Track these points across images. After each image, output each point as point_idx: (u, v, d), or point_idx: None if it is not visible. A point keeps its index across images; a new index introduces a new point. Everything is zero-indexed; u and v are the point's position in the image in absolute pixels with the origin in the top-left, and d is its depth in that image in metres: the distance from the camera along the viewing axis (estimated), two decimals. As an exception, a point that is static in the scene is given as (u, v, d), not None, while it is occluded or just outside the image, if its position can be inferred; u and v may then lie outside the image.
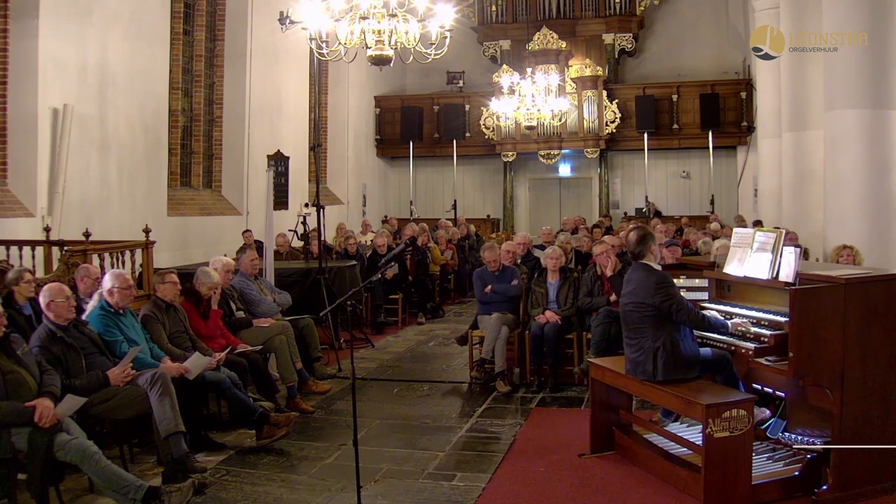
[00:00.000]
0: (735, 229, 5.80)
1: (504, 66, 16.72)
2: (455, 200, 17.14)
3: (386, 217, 17.04)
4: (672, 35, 17.38)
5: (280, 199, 11.73)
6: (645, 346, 4.51)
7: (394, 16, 5.81)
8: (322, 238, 8.83)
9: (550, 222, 14.66)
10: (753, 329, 4.39)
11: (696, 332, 4.65)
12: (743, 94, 16.24)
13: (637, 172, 17.37)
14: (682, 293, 4.67)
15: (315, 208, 8.58)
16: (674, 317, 4.45)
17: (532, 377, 6.72)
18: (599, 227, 13.04)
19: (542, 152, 17.19)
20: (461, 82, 17.95)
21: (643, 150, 16.68)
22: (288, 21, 8.64)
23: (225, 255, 7.25)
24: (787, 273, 4.37)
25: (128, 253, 7.86)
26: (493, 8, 17.57)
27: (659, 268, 4.71)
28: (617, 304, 6.46)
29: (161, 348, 5.23)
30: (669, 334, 4.47)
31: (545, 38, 16.57)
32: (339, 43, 6.01)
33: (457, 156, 17.79)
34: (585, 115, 16.69)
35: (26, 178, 8.60)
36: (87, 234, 7.26)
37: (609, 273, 6.78)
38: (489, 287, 7.09)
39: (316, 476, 4.67)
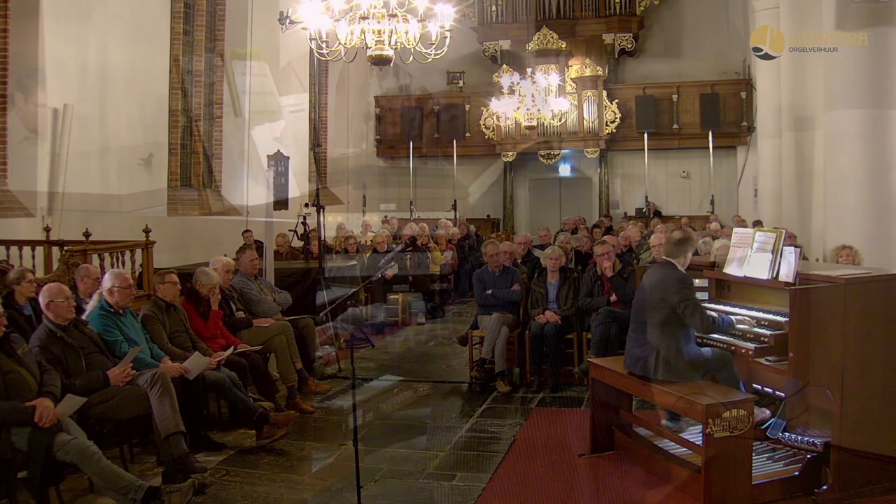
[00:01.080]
0: (735, 229, 5.79)
1: (504, 66, 16.70)
2: (455, 200, 17.14)
3: (386, 217, 17.02)
4: (672, 35, 17.35)
5: (280, 199, 11.72)
6: (650, 343, 4.49)
7: (394, 16, 5.82)
8: (322, 238, 8.82)
9: (550, 222, 14.65)
10: (754, 329, 4.39)
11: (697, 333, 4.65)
12: (743, 94, 16.23)
13: (637, 172, 17.34)
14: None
15: (315, 208, 8.57)
16: (686, 319, 4.42)
17: (532, 377, 6.71)
18: (599, 227, 13.06)
19: (542, 152, 17.17)
20: (461, 82, 17.94)
21: (643, 150, 16.66)
22: (288, 21, 8.65)
23: (225, 255, 7.24)
24: (787, 273, 4.37)
25: (128, 253, 7.85)
26: (493, 8, 17.55)
27: (684, 271, 4.69)
28: (617, 304, 6.49)
29: (161, 348, 5.23)
30: (675, 337, 4.45)
31: (545, 38, 16.56)
32: (339, 43, 6.02)
33: (457, 156, 17.79)
34: (585, 115, 16.67)
35: (26, 178, 8.60)
36: (87, 234, 7.25)
37: (609, 273, 6.78)
38: (489, 291, 7.08)
39: (316, 476, 4.67)
